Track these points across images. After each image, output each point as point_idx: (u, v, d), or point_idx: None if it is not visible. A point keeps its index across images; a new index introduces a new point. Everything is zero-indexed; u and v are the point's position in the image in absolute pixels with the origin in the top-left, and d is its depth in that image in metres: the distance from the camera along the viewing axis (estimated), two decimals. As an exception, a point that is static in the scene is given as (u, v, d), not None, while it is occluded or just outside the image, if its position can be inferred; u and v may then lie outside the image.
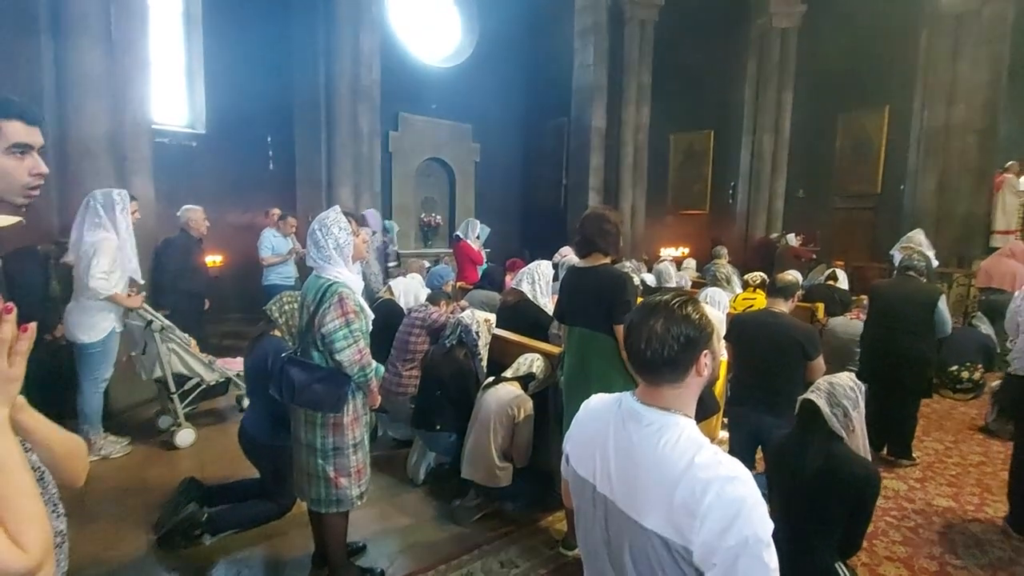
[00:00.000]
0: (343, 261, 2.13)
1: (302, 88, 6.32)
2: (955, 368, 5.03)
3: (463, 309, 3.36)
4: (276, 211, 5.68)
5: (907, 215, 8.92)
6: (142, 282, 3.64)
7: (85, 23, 3.99)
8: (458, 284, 5.22)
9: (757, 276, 4.97)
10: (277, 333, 2.77)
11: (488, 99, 9.57)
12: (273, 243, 5.47)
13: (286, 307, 2.75)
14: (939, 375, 4.95)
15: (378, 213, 5.26)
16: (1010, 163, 8.59)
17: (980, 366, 5.09)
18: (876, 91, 9.44)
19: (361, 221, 4.85)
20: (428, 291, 3.80)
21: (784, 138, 9.51)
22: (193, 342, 3.82)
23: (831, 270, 6.12)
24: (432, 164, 9.21)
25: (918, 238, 5.52)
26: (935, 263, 5.88)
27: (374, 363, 2.17)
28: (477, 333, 3.06)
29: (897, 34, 8.90)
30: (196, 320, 4.83)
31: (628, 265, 4.39)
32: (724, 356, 3.62)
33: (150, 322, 3.53)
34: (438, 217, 9.08)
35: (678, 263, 7.86)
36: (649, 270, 6.40)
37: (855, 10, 9.07)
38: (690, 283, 6.33)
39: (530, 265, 3.63)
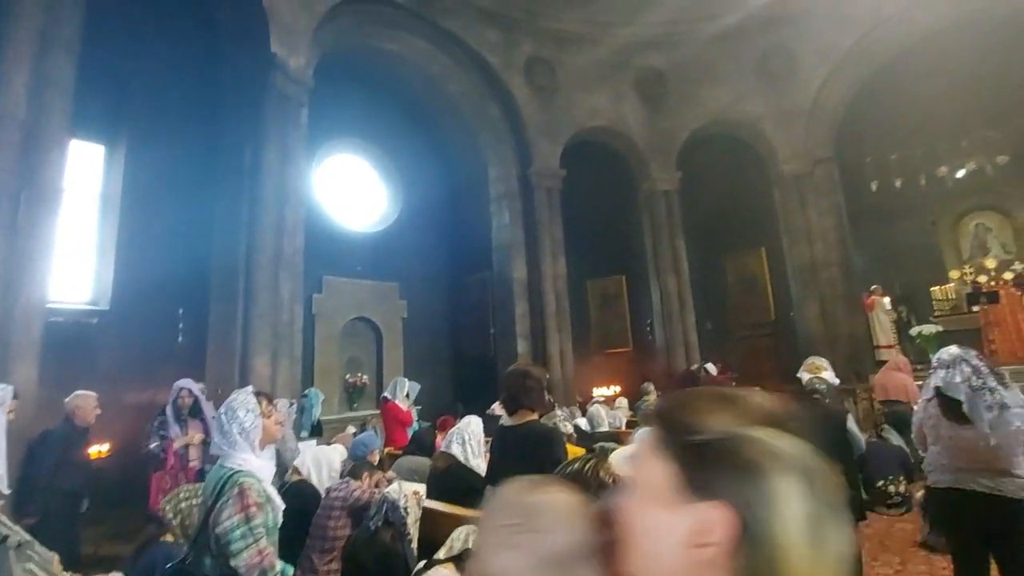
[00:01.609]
0: (249, 446, 1.96)
1: (221, 260, 6.33)
2: (882, 483, 5.19)
3: (389, 482, 3.11)
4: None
5: (801, 339, 9.85)
6: (7, 491, 3.08)
7: (-11, 211, 3.91)
8: (386, 450, 4.90)
9: (684, 411, 5.10)
10: (169, 537, 2.39)
11: (414, 258, 10.06)
12: (174, 425, 4.95)
13: (182, 504, 2.42)
14: (868, 492, 5.06)
15: (195, 385, 4.70)
16: (874, 287, 9.98)
17: (902, 477, 5.30)
18: (751, 236, 11.01)
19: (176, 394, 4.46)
20: (345, 462, 3.49)
21: (685, 279, 10.55)
22: (56, 558, 3.15)
23: (749, 397, 6.42)
24: (358, 324, 9.18)
25: (817, 362, 6.01)
26: (836, 382, 6.39)
27: (279, 565, 1.89)
28: (406, 509, 2.80)
29: (756, 190, 10.71)
30: (71, 523, 4.12)
31: (559, 414, 4.39)
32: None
33: (5, 537, 2.91)
34: (364, 377, 8.79)
35: (611, 402, 7.97)
36: (584, 413, 6.40)
37: (719, 174, 10.92)
38: (624, 422, 6.36)
39: (459, 424, 3.51)
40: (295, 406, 5.09)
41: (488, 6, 9.41)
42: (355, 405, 8.51)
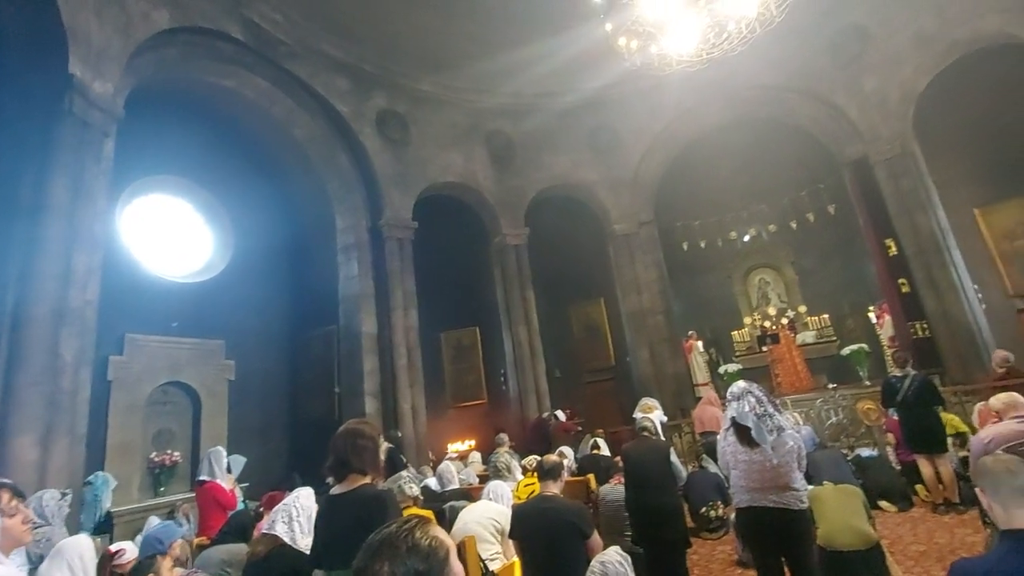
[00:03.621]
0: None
1: (-26, 316, 5.00)
2: (704, 510, 5.73)
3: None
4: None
5: (636, 381, 10.81)
6: None
7: None
8: (195, 541, 4.10)
9: (532, 459, 5.17)
10: None
11: (245, 312, 9.02)
12: None
13: None
14: (694, 519, 5.55)
15: None
16: (691, 332, 11.46)
17: (720, 503, 5.91)
18: (591, 287, 12.05)
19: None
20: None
21: (535, 328, 11.03)
22: None
23: (593, 439, 6.78)
24: (171, 389, 7.78)
25: (648, 402, 6.59)
26: (664, 419, 7.06)
27: None
28: (207, 612, 2.30)
29: (594, 246, 11.84)
30: None
31: (405, 475, 4.12)
32: (515, 557, 3.45)
33: None
34: (176, 454, 7.30)
35: (465, 457, 7.78)
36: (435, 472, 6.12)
37: (563, 231, 11.90)
38: (477, 479, 6.22)
39: (286, 499, 3.07)
40: (67, 498, 4.01)
41: (338, 56, 9.32)
42: (162, 489, 7.07)
